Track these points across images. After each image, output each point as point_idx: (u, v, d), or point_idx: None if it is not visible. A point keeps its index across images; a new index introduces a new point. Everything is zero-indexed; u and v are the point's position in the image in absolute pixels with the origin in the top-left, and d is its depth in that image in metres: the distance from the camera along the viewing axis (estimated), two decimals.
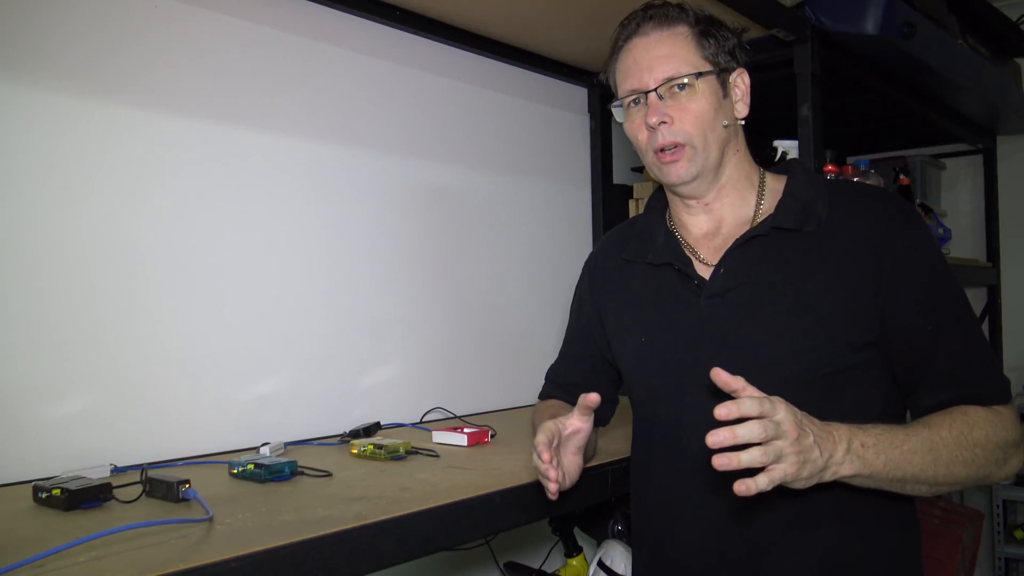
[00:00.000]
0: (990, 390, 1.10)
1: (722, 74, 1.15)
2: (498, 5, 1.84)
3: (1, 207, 1.30)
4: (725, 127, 1.16)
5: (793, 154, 2.03)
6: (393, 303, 1.89)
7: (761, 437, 0.89)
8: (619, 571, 1.71)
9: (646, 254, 1.25)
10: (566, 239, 2.38)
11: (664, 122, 1.13)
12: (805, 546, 1.10)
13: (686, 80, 1.12)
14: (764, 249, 1.14)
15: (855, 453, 0.97)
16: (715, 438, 0.87)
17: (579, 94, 2.44)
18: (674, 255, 1.21)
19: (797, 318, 1.10)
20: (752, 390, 0.93)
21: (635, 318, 1.26)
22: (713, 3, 1.77)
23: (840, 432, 0.97)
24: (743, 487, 0.88)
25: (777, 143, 2.09)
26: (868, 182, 2.29)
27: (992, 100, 2.65)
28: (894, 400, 1.14)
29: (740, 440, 0.88)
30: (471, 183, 2.10)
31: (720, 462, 0.87)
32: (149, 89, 1.48)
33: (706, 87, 1.13)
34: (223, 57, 1.59)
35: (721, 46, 1.16)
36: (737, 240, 1.16)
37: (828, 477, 0.96)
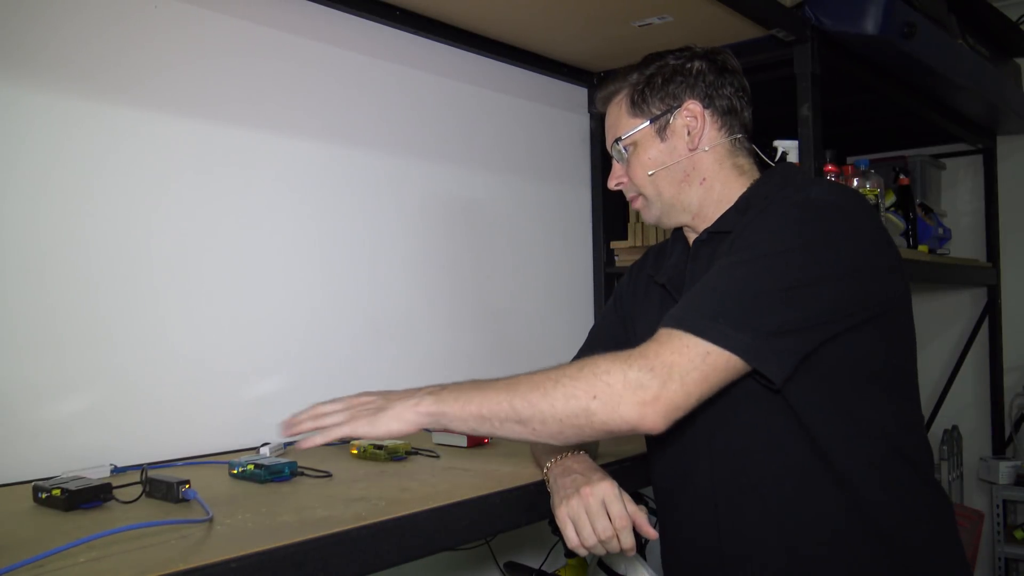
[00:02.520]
0: (670, 318, 1.00)
1: (658, 120, 1.22)
2: (498, 5, 1.84)
3: (3, 207, 1.30)
4: (673, 165, 1.22)
5: (793, 154, 2.03)
6: (393, 303, 1.89)
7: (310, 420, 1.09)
8: (619, 571, 1.71)
9: (658, 272, 1.31)
10: (566, 239, 2.38)
11: (620, 183, 1.28)
12: (776, 536, 1.11)
13: (618, 146, 1.25)
14: (707, 257, 1.18)
15: (433, 394, 1.04)
16: (288, 430, 1.09)
17: (579, 94, 2.44)
18: (670, 275, 1.26)
19: None
20: None
21: (644, 329, 1.29)
22: (713, 3, 1.78)
23: (432, 386, 1.07)
24: (304, 443, 1.07)
25: (777, 143, 2.09)
26: (868, 182, 2.29)
27: (992, 100, 2.65)
28: (841, 399, 1.07)
29: (304, 427, 1.09)
30: (470, 183, 2.10)
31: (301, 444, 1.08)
32: (149, 90, 1.48)
33: (642, 139, 1.23)
34: (223, 57, 1.59)
35: (660, 91, 1.22)
36: (689, 254, 1.23)
37: (399, 410, 1.04)
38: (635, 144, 1.24)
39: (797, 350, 1.00)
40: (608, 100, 1.29)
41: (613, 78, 1.28)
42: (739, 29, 1.93)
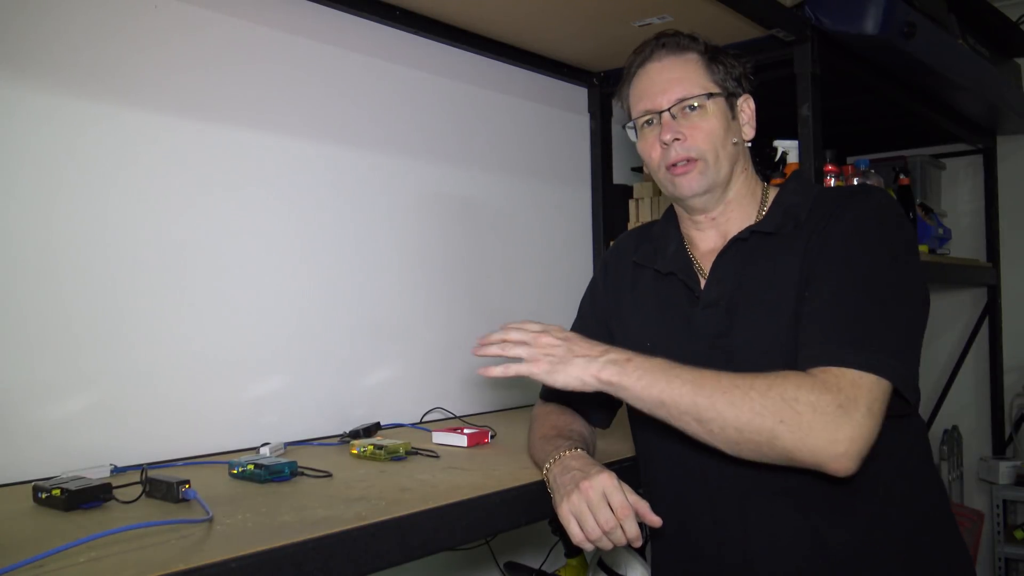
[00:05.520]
0: (832, 351, 1.00)
1: (730, 97, 1.22)
2: (498, 5, 1.84)
3: (5, 208, 1.30)
4: (735, 144, 1.22)
5: (793, 154, 2.03)
6: (393, 303, 1.89)
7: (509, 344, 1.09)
8: (619, 571, 1.71)
9: (655, 261, 1.29)
10: (566, 239, 2.38)
11: (677, 139, 1.19)
12: (799, 536, 1.11)
13: (697, 101, 1.19)
14: (747, 254, 1.18)
15: (617, 364, 1.05)
16: (478, 350, 1.11)
17: (579, 94, 2.44)
18: (680, 265, 1.25)
19: (776, 317, 1.12)
20: None
21: (641, 322, 1.29)
22: (713, 3, 1.78)
23: (614, 348, 1.08)
24: (483, 371, 1.09)
25: (777, 143, 2.09)
26: (868, 182, 2.29)
27: (992, 100, 2.65)
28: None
29: (491, 351, 1.10)
30: (470, 183, 2.10)
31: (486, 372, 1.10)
32: (151, 91, 1.48)
33: (716, 107, 1.20)
34: (223, 58, 1.59)
35: (729, 72, 1.22)
36: (723, 247, 1.20)
37: (579, 369, 1.06)
38: (710, 110, 1.19)
39: (916, 371, 1.06)
40: (677, 52, 1.22)
41: (674, 34, 1.23)
42: (739, 29, 1.93)
